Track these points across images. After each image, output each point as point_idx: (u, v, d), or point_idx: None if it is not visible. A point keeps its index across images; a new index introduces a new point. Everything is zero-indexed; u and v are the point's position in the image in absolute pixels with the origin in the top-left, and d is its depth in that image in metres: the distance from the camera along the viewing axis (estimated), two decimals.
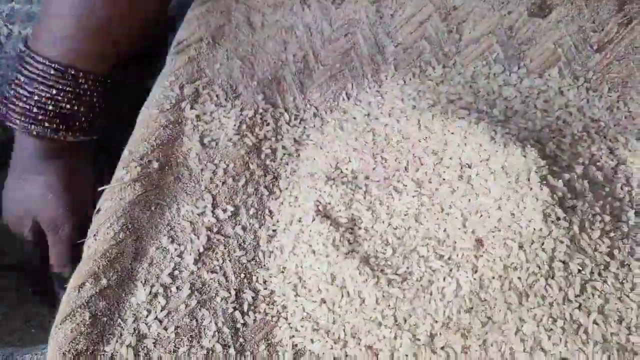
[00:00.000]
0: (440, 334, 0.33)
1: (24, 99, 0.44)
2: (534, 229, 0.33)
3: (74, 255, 0.46)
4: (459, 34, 0.46)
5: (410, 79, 0.44)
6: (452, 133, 0.37)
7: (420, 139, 0.38)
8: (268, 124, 0.43)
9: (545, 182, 0.34)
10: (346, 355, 0.35)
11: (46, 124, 0.44)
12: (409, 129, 0.39)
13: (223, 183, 0.40)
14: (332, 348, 0.35)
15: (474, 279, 0.33)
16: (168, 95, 0.42)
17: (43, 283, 0.51)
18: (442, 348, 0.33)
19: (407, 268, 0.35)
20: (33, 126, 0.44)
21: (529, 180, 0.34)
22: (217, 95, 0.43)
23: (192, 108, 0.42)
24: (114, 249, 0.37)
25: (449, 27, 0.46)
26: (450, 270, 0.34)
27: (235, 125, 0.42)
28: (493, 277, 0.33)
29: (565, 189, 0.34)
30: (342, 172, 0.40)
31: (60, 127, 0.45)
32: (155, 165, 0.40)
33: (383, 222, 0.37)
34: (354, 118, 0.43)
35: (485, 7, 0.46)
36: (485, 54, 0.45)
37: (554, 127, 0.40)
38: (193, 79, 0.43)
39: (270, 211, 0.40)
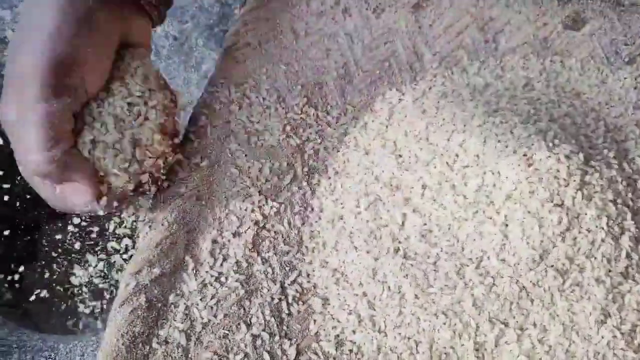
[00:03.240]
0: (478, 327, 0.35)
1: None
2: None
3: None
4: (495, 43, 0.48)
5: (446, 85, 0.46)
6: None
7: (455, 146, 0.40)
8: (311, 127, 0.45)
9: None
10: (386, 345, 0.36)
11: None
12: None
13: (268, 181, 0.42)
14: (372, 339, 0.37)
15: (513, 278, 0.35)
16: (218, 98, 0.45)
17: None
18: (480, 342, 0.35)
19: (446, 263, 0.37)
20: None
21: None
22: (263, 98, 0.45)
23: (240, 109, 0.44)
24: (168, 240, 0.39)
25: (485, 37, 0.48)
26: (488, 269, 0.36)
27: (280, 127, 0.44)
28: (531, 281, 0.35)
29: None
30: (382, 172, 0.41)
31: None
32: (205, 162, 0.42)
33: (425, 221, 0.38)
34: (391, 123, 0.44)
35: (521, 19, 0.48)
36: (520, 64, 0.47)
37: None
38: (241, 82, 0.46)
39: (312, 208, 0.42)
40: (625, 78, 0.46)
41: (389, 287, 0.37)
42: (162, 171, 0.39)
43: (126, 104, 0.37)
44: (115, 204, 0.37)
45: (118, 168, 0.36)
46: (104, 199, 0.36)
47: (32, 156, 0.34)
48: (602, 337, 0.34)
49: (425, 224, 0.38)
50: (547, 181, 0.35)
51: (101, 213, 0.37)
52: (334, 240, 0.40)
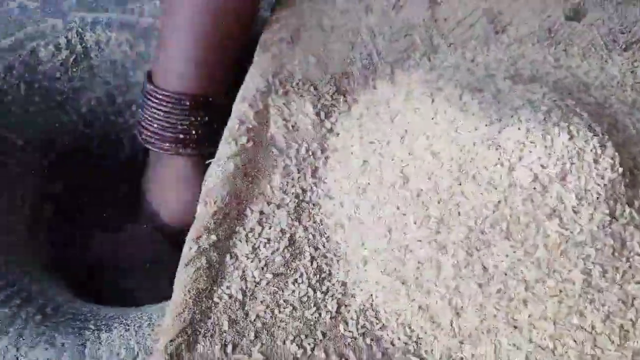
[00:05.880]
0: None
1: (170, 128, 0.54)
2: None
3: None
4: (504, 34, 0.53)
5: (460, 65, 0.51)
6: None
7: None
8: (341, 112, 0.50)
9: None
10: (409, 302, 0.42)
11: (192, 145, 0.55)
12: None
13: (304, 159, 0.48)
14: (395, 299, 0.42)
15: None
16: (258, 87, 0.50)
17: None
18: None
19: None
20: (182, 149, 0.55)
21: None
22: (297, 87, 0.51)
23: (277, 97, 0.50)
24: (222, 211, 0.44)
25: (495, 29, 0.53)
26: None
27: (313, 112, 0.50)
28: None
29: None
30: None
31: (202, 144, 0.55)
32: (250, 144, 0.47)
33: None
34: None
35: (527, 12, 0.53)
36: (526, 52, 0.52)
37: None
38: (276, 73, 0.51)
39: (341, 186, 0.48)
40: (622, 63, 0.51)
41: (423, 264, 0.42)
42: None
43: None
44: None
45: None
46: None
47: None
48: None
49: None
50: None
51: None
52: (366, 213, 0.45)
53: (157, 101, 0.53)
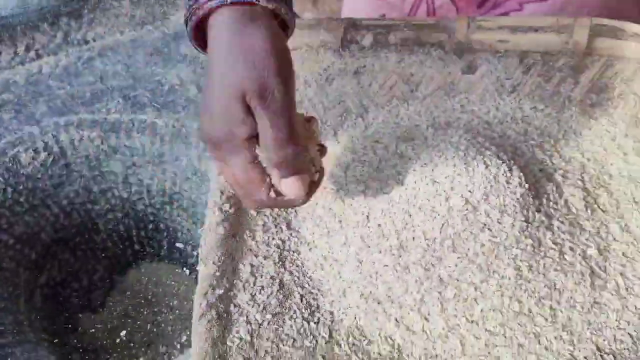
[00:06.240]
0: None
1: None
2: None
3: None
4: (417, 92, 0.66)
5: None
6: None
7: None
8: None
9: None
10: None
11: None
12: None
13: (279, 216, 0.57)
14: (375, 317, 0.51)
15: None
16: None
17: None
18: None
19: None
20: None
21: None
22: None
23: None
24: (220, 269, 0.52)
25: (410, 88, 0.66)
26: None
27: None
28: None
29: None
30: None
31: None
32: (232, 209, 0.56)
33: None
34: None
35: (433, 71, 0.66)
36: (437, 103, 0.65)
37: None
38: None
39: (313, 232, 0.57)
40: (511, 102, 0.65)
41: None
42: None
43: None
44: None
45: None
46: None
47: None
48: None
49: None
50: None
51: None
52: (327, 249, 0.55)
53: None
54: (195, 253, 0.70)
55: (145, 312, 0.71)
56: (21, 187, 0.63)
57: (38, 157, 0.63)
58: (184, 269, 0.71)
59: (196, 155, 0.65)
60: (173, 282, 0.71)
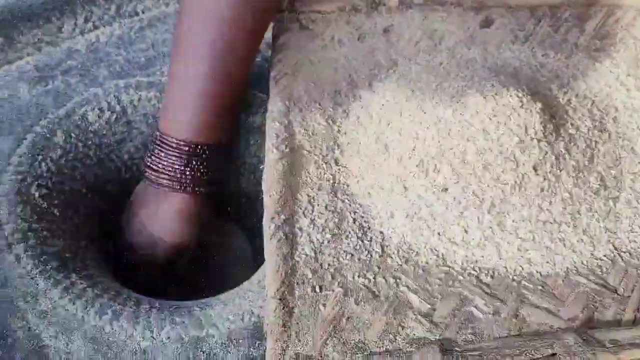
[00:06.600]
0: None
1: (169, 169, 0.64)
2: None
3: None
4: (441, 45, 0.73)
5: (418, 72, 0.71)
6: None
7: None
8: (342, 117, 0.68)
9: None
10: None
11: (190, 186, 0.65)
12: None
13: (327, 154, 0.64)
14: (421, 234, 0.59)
15: None
16: (280, 109, 0.66)
17: None
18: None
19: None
20: (180, 187, 0.65)
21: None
22: (307, 105, 0.67)
23: (295, 114, 0.66)
24: (282, 199, 0.59)
25: (434, 42, 0.73)
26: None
27: (323, 120, 0.66)
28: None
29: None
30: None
31: (197, 185, 0.65)
32: (287, 149, 0.63)
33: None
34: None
35: (453, 27, 0.74)
36: (458, 55, 0.72)
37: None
38: (290, 97, 0.68)
39: (359, 167, 0.64)
40: (525, 50, 0.72)
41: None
42: None
43: None
44: None
45: None
46: None
47: None
48: None
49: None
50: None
51: None
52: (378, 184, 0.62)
53: (160, 145, 0.64)
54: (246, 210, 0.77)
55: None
56: (90, 142, 0.70)
57: (103, 115, 0.70)
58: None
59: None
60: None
